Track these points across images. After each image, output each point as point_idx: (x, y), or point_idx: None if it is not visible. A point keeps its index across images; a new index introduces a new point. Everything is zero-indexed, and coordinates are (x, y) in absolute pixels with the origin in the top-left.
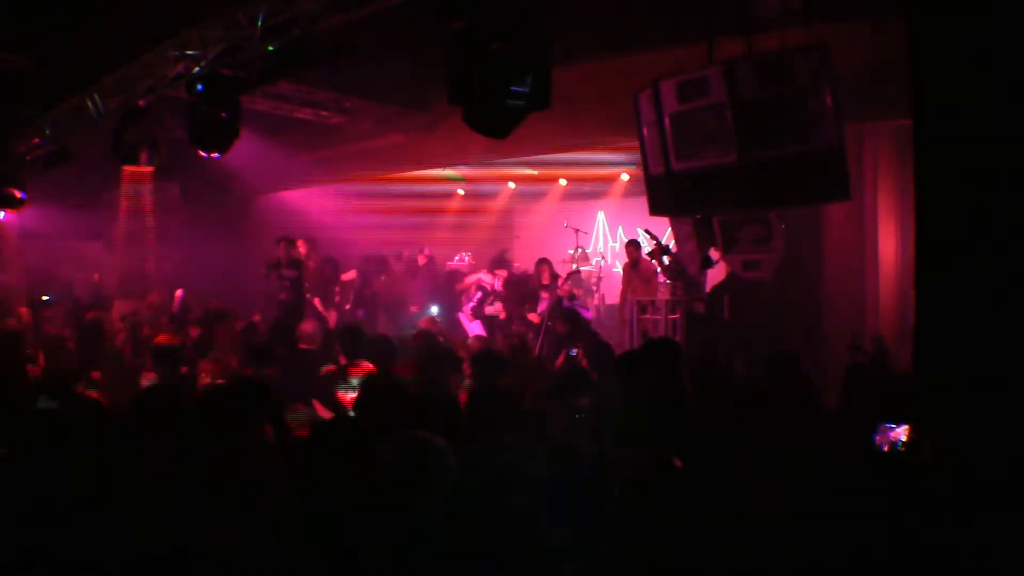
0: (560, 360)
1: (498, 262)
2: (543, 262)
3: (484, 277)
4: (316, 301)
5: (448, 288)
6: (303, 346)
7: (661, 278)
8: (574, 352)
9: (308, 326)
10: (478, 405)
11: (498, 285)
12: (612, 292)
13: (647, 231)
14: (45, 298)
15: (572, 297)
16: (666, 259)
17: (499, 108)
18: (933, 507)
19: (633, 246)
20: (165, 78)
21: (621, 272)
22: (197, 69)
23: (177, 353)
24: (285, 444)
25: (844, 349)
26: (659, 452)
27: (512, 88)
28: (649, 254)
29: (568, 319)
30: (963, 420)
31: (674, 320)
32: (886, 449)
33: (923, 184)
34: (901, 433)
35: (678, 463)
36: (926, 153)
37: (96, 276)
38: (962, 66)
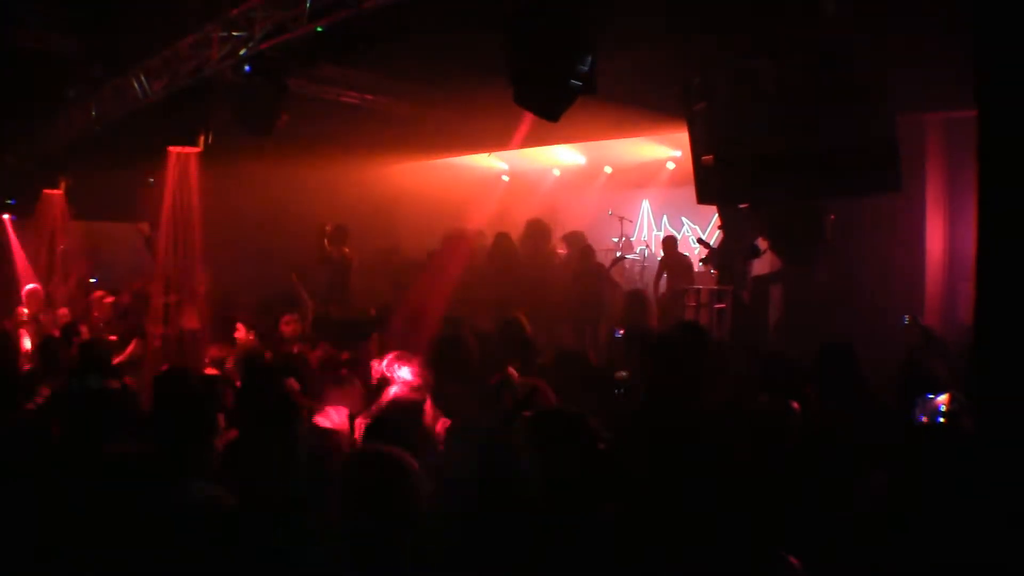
0: None
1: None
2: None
3: None
4: None
5: None
6: None
7: (697, 267)
8: (619, 335)
9: None
10: None
11: None
12: None
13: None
14: (93, 280)
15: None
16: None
17: (552, 90)
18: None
19: (670, 243)
20: (211, 59)
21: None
22: (243, 51)
23: None
24: None
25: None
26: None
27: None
28: (703, 260)
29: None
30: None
31: (720, 309)
32: (926, 419)
33: (987, 176)
34: (941, 403)
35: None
36: (991, 145)
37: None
38: None
